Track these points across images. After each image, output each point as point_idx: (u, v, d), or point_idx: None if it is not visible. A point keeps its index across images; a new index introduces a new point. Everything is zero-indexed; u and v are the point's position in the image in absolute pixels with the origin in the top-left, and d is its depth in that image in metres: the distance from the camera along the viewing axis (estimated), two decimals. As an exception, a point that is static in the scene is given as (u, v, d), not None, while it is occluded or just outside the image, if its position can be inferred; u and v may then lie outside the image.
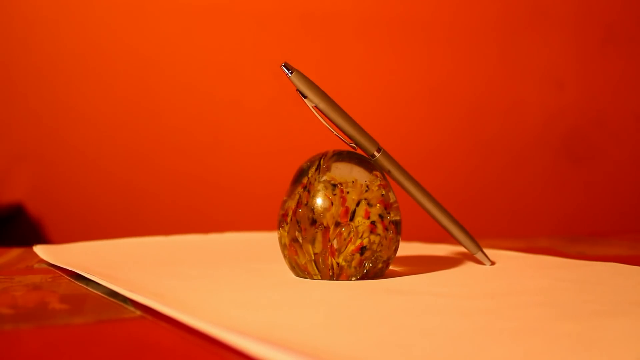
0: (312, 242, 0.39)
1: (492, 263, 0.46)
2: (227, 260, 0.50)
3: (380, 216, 0.40)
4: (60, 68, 1.11)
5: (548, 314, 0.30)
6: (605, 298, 0.33)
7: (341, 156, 0.41)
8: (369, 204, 0.40)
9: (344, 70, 1.19)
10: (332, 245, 0.39)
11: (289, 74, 0.41)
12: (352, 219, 0.40)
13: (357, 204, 0.40)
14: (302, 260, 0.40)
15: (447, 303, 0.32)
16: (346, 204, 0.40)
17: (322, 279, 0.40)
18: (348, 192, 0.40)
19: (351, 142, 0.42)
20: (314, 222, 0.39)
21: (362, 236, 0.40)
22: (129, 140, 1.14)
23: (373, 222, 0.40)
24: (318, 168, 0.41)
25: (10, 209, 1.07)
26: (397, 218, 0.41)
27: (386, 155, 0.42)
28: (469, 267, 0.46)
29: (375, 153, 0.42)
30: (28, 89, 1.10)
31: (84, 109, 1.12)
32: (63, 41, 1.11)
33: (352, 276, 0.40)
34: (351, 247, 0.39)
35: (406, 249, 0.54)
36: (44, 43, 1.10)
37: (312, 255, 0.40)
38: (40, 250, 0.52)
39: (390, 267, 0.45)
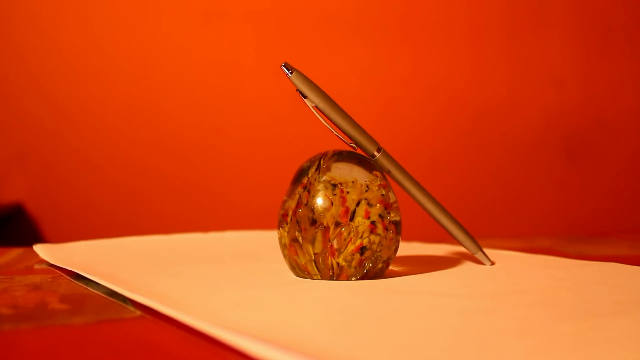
0: (312, 242, 0.39)
1: (492, 263, 0.46)
2: (227, 260, 0.50)
3: (380, 216, 0.40)
4: (59, 68, 1.11)
5: (548, 314, 0.30)
6: (605, 298, 0.33)
7: (341, 156, 0.41)
8: (369, 204, 0.40)
9: (344, 70, 1.19)
10: (332, 245, 0.39)
11: (289, 74, 0.41)
12: (352, 219, 0.40)
13: (357, 204, 0.40)
14: (302, 260, 0.40)
15: (447, 303, 0.32)
16: (346, 204, 0.40)
17: (322, 279, 0.40)
18: (348, 192, 0.40)
19: (351, 142, 0.42)
20: (314, 222, 0.39)
21: (362, 236, 0.40)
22: (129, 140, 1.14)
23: (373, 222, 0.40)
24: (318, 168, 0.41)
25: (10, 208, 1.07)
26: (397, 218, 0.41)
27: (386, 155, 0.42)
28: (469, 267, 0.46)
29: (375, 153, 0.42)
30: (27, 89, 1.10)
31: (83, 109, 1.12)
32: (62, 41, 1.11)
33: (352, 276, 0.40)
34: (351, 247, 0.39)
35: (406, 249, 0.54)
36: (44, 43, 1.10)
37: (312, 255, 0.40)
38: (40, 249, 0.52)
39: (390, 267, 0.45)
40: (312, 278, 0.40)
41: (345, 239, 0.39)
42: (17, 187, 1.10)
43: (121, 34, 1.12)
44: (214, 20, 1.15)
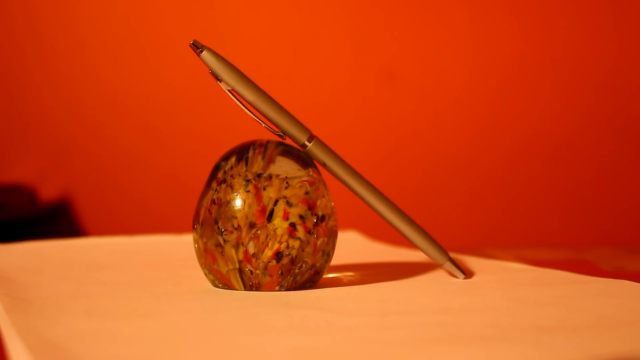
0: (227, 246, 0.34)
1: (467, 276, 0.39)
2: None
3: (302, 217, 0.34)
4: (57, 67, 1.10)
5: (419, 336, 0.24)
6: (526, 320, 0.27)
7: (263, 148, 0.36)
8: (289, 203, 0.34)
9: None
10: (246, 251, 0.34)
11: (199, 53, 0.35)
12: (269, 220, 0.34)
13: (275, 203, 0.34)
14: (224, 269, 0.35)
15: (322, 319, 0.28)
16: (263, 203, 0.34)
17: (244, 290, 0.35)
18: (265, 189, 0.34)
19: (278, 130, 0.36)
20: (227, 223, 0.34)
21: (280, 240, 0.34)
22: (127, 139, 1.10)
23: (292, 224, 0.34)
24: (236, 162, 0.35)
25: (54, 204, 1.08)
26: (331, 220, 0.36)
27: (320, 144, 0.36)
28: (430, 279, 0.39)
29: (306, 142, 0.36)
30: (26, 86, 1.09)
31: (82, 107, 1.10)
32: (61, 39, 1.09)
33: (274, 286, 0.34)
34: (268, 253, 0.34)
35: (375, 253, 0.47)
36: (43, 42, 1.09)
37: (228, 264, 0.34)
38: None
39: (341, 276, 0.39)
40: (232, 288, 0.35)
41: (263, 243, 0.34)
42: (61, 182, 1.11)
43: (115, 32, 1.08)
44: (214, 16, 1.11)
